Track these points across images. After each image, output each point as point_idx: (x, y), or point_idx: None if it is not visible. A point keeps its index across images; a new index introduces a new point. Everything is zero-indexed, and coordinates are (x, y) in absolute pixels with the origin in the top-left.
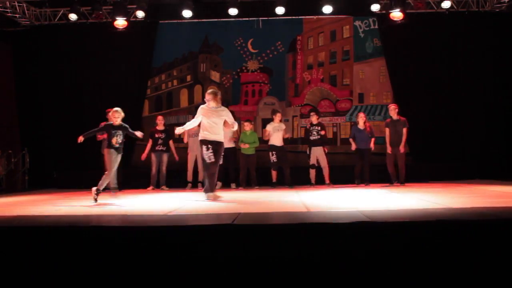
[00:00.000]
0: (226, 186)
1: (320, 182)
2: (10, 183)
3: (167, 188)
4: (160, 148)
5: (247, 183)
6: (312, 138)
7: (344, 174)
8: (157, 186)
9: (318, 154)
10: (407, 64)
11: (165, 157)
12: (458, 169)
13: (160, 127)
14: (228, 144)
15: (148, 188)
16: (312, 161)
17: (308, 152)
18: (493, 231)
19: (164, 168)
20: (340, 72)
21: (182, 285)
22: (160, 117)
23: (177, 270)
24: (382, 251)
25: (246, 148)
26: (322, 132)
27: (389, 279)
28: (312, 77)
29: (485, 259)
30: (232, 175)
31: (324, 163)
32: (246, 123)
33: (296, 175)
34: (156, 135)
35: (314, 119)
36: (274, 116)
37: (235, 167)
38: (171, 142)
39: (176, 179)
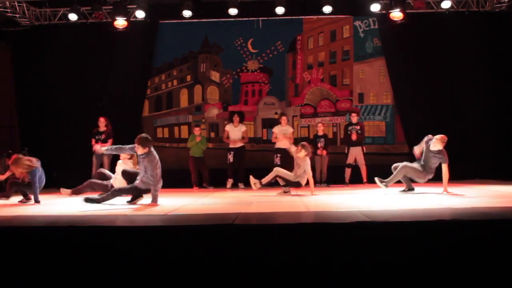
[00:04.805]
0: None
1: (355, 181)
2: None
3: None
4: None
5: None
6: (352, 138)
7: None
8: None
9: (356, 153)
10: (407, 64)
11: (106, 159)
12: (458, 169)
13: (102, 128)
14: (238, 143)
15: None
16: (350, 160)
17: (346, 151)
18: (494, 231)
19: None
20: (340, 72)
21: (182, 285)
22: (101, 119)
23: (178, 270)
24: (382, 251)
25: (196, 149)
26: (361, 136)
27: (389, 279)
28: (312, 77)
29: (486, 259)
30: (241, 175)
31: (362, 162)
32: (196, 128)
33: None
34: (97, 137)
35: (354, 119)
36: (280, 119)
37: (246, 167)
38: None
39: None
